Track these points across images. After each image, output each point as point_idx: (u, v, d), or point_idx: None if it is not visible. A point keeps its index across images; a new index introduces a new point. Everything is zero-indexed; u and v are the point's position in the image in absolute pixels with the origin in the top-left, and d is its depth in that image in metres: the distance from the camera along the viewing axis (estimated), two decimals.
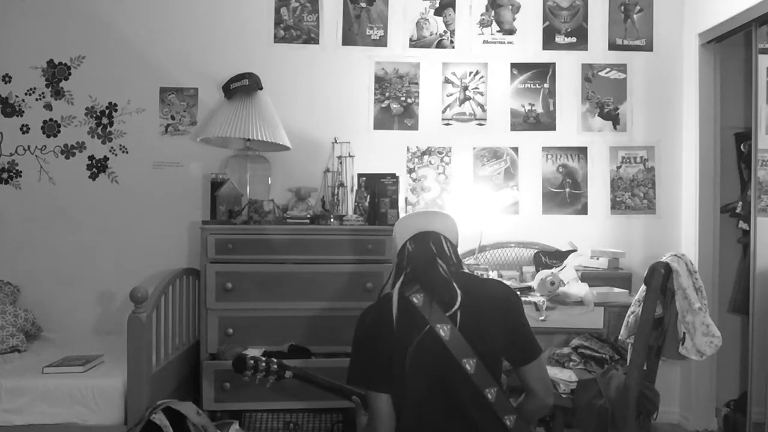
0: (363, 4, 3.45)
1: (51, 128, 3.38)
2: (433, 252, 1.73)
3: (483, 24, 3.49)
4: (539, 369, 1.69)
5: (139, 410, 2.37)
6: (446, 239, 1.77)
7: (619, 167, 3.49)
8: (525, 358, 1.67)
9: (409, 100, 3.46)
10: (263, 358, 2.04)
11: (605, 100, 3.49)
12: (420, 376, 1.61)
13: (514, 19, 3.49)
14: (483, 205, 3.35)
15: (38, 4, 3.37)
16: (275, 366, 2.03)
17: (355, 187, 3.21)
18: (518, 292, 2.05)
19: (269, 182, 3.33)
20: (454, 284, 1.65)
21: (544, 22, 3.49)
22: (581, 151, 3.49)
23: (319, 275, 2.90)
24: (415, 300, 1.65)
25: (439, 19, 3.48)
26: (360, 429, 1.83)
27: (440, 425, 1.62)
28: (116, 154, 3.39)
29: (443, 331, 1.61)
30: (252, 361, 2.00)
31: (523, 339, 1.68)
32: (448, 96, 3.48)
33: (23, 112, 3.37)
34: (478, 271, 2.99)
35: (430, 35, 3.48)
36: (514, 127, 3.48)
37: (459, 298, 1.63)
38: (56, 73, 3.38)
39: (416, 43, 3.47)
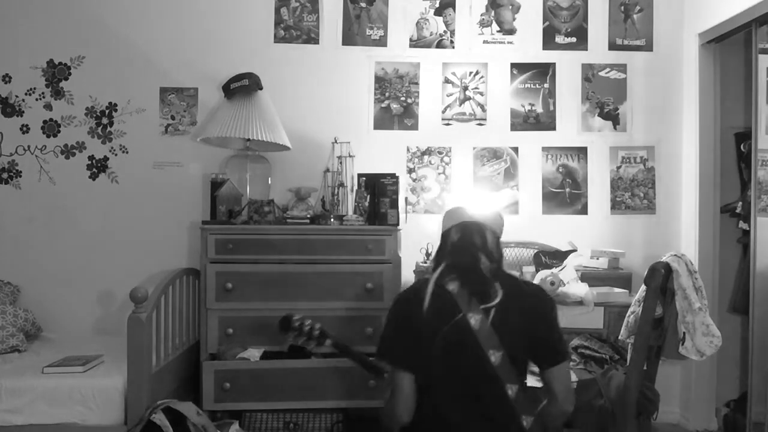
0: (363, 4, 3.45)
1: (51, 128, 3.38)
2: (476, 246, 1.76)
3: (483, 24, 3.49)
4: (563, 374, 1.72)
5: (139, 410, 2.37)
6: (491, 231, 1.81)
7: (619, 167, 3.49)
8: (550, 361, 1.70)
9: (409, 100, 3.46)
10: (308, 322, 2.09)
11: (605, 100, 3.49)
12: (445, 361, 1.65)
13: (514, 19, 3.49)
14: (483, 205, 3.35)
15: (38, 4, 3.37)
16: (317, 332, 2.09)
17: (355, 187, 3.21)
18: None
19: (269, 182, 3.33)
20: (497, 284, 1.69)
21: (544, 22, 3.49)
22: (581, 151, 3.49)
23: (319, 275, 2.90)
24: (450, 287, 1.69)
25: (439, 19, 3.48)
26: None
27: (458, 412, 1.66)
28: (116, 154, 3.39)
29: (474, 320, 1.65)
30: (297, 323, 2.06)
31: (551, 342, 1.71)
32: (448, 96, 3.48)
33: (23, 112, 3.37)
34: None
35: (430, 35, 3.48)
36: (514, 127, 3.48)
37: (499, 297, 1.66)
38: (56, 73, 3.38)
39: (416, 43, 3.47)
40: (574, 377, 2.50)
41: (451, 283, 1.70)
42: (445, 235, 1.83)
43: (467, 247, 1.77)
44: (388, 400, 1.75)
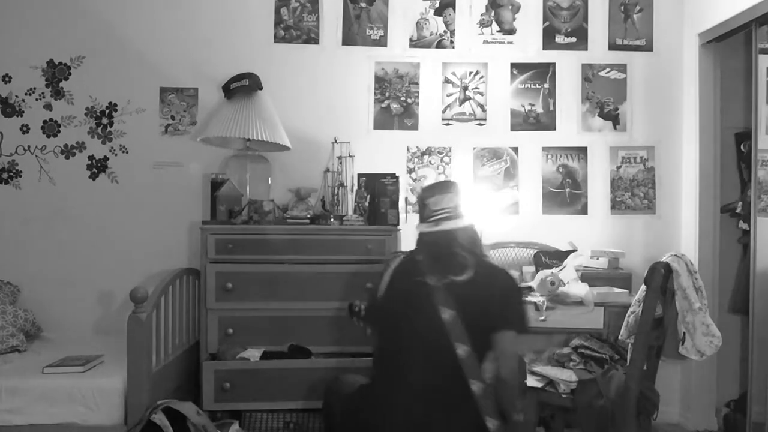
0: (363, 4, 3.45)
1: (51, 128, 3.38)
2: (451, 247, 1.92)
3: (483, 24, 3.49)
4: (507, 341, 1.82)
5: (139, 410, 2.37)
6: (463, 233, 1.95)
7: (619, 167, 3.49)
8: (497, 326, 1.82)
9: (409, 100, 3.46)
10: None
11: (605, 100, 3.49)
12: (401, 315, 1.85)
13: (514, 19, 3.49)
14: (483, 205, 3.35)
15: (38, 4, 3.37)
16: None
17: (355, 187, 3.21)
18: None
19: (269, 182, 3.32)
20: (468, 269, 1.84)
21: (544, 22, 3.49)
22: (581, 151, 3.49)
23: (319, 275, 2.90)
24: (419, 258, 1.90)
25: (439, 19, 3.48)
26: None
27: (411, 367, 1.80)
28: (116, 154, 3.39)
29: (432, 280, 1.82)
30: (357, 308, 2.30)
31: (502, 310, 1.83)
32: (448, 96, 3.48)
33: (23, 112, 3.37)
34: None
35: (430, 35, 3.48)
36: (514, 127, 3.48)
37: (466, 275, 1.82)
38: (56, 73, 3.38)
39: (416, 43, 3.47)
40: (573, 377, 2.49)
41: (419, 255, 1.92)
42: (419, 238, 2.00)
43: (443, 248, 1.93)
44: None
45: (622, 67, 3.49)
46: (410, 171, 3.45)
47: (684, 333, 2.26)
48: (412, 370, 1.78)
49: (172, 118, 3.41)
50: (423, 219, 2.00)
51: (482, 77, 3.48)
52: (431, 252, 1.91)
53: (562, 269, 2.87)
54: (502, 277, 1.92)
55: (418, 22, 3.47)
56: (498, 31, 3.49)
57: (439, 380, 1.76)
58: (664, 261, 2.31)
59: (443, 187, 2.03)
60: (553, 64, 3.48)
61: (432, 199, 1.96)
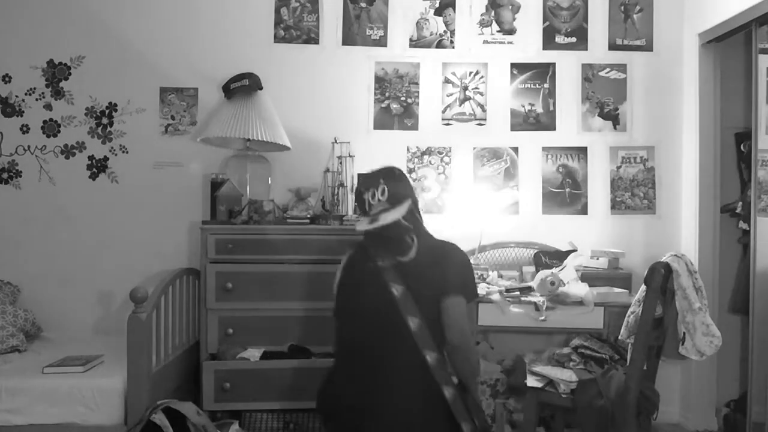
0: (363, 4, 3.45)
1: (51, 128, 3.38)
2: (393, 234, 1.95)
3: (483, 24, 3.49)
4: (455, 307, 1.84)
5: (139, 410, 2.37)
6: (402, 216, 1.94)
7: (619, 167, 3.49)
8: (443, 292, 1.84)
9: (409, 100, 3.46)
10: None
11: (605, 100, 3.49)
12: (356, 297, 1.93)
13: (514, 19, 3.49)
14: (483, 205, 3.35)
15: (38, 4, 3.37)
16: None
17: (355, 187, 3.21)
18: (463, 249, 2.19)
19: (269, 182, 3.32)
20: (412, 249, 1.90)
21: (544, 22, 3.49)
22: (581, 151, 3.49)
23: (319, 275, 2.90)
24: (367, 247, 1.96)
25: (439, 19, 3.48)
26: None
27: (368, 343, 1.86)
28: (116, 154, 3.39)
29: (382, 262, 1.88)
30: None
31: (444, 276, 1.86)
32: (448, 96, 3.48)
33: (23, 112, 3.37)
34: (478, 272, 2.99)
35: (430, 35, 3.48)
36: (514, 127, 3.48)
37: (412, 254, 1.88)
38: (56, 73, 3.38)
39: (416, 43, 3.47)
40: (573, 377, 2.49)
41: (367, 245, 1.97)
42: (364, 233, 2.00)
43: (387, 237, 1.96)
44: None
45: (622, 67, 3.49)
46: (410, 171, 3.45)
47: (684, 333, 2.26)
48: (371, 349, 1.84)
49: (172, 118, 3.41)
50: (362, 214, 2.02)
51: (482, 77, 3.48)
52: (376, 242, 1.96)
53: (562, 269, 2.87)
54: (446, 248, 1.97)
55: (418, 22, 3.47)
56: (498, 31, 3.49)
57: (396, 355, 1.81)
58: (664, 261, 2.31)
59: (376, 178, 2.00)
60: (553, 64, 3.48)
61: (368, 193, 1.98)
